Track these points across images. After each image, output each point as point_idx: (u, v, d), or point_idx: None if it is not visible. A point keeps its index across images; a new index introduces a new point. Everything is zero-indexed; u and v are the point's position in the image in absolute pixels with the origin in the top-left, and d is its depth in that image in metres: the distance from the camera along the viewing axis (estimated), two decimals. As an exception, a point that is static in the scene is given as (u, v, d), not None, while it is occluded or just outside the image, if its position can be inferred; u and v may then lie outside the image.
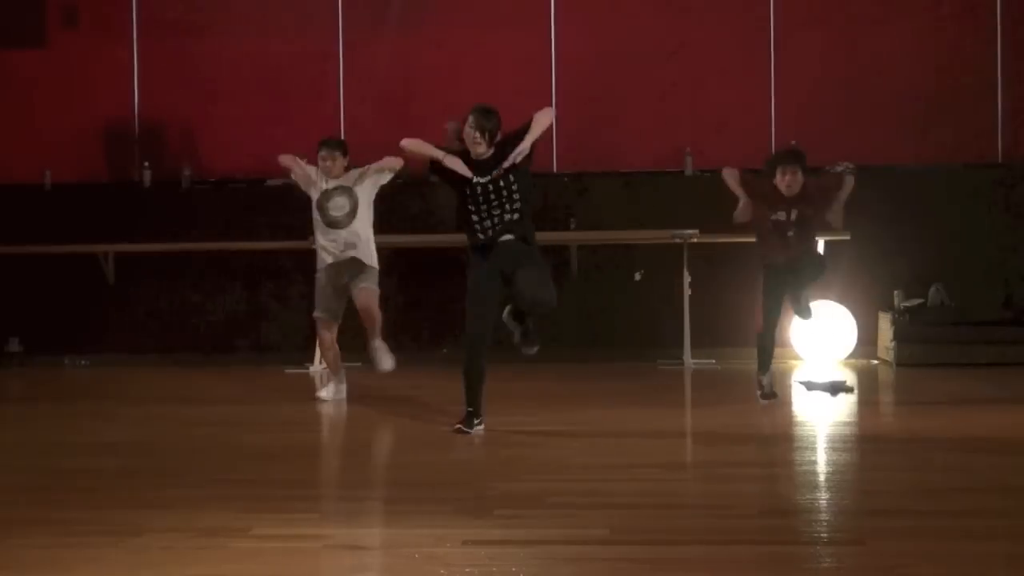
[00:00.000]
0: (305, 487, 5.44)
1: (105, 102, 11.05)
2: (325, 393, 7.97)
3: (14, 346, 10.80)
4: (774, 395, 7.49)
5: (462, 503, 4.90)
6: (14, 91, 11.12)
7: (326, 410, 7.78)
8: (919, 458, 5.86)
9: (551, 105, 6.48)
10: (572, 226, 10.37)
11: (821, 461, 5.97)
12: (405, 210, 10.27)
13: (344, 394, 7.95)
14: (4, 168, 10.90)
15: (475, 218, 6.42)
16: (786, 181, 7.22)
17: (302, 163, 7.99)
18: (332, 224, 7.77)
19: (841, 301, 9.88)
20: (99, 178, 10.98)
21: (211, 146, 10.96)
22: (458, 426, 6.38)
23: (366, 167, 7.88)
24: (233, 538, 4.39)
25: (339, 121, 10.86)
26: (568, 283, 10.38)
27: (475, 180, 6.41)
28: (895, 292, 9.89)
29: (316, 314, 7.90)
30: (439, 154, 6.44)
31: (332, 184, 7.84)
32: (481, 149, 6.47)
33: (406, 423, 7.06)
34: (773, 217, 7.30)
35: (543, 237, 10.37)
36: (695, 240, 9.69)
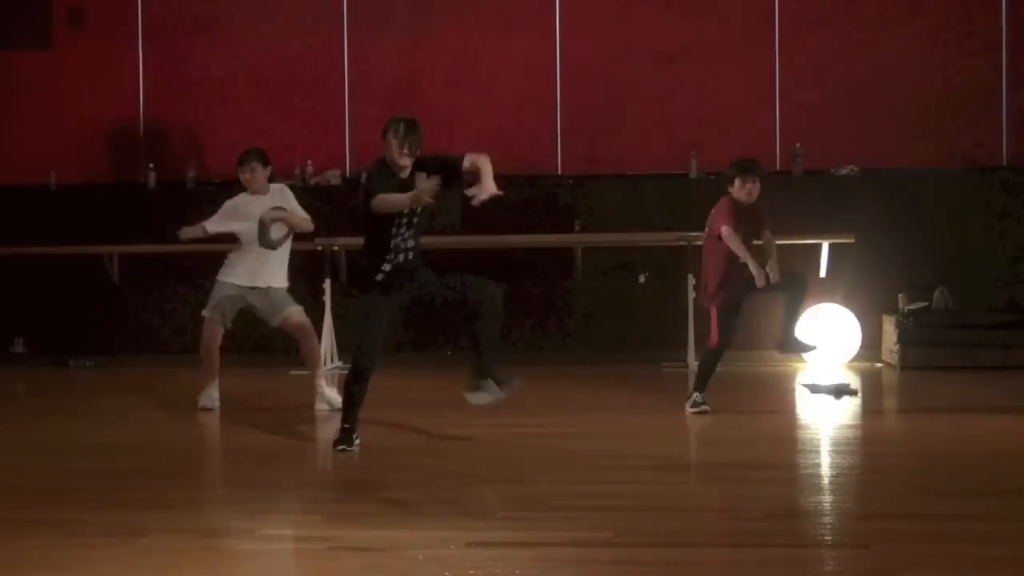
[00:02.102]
0: (309, 489, 5.44)
1: (110, 103, 11.07)
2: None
3: (19, 347, 10.82)
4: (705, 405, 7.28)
5: (466, 505, 4.90)
6: (20, 92, 11.14)
7: (329, 413, 7.78)
8: (923, 461, 5.86)
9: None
10: (576, 228, 10.37)
11: (825, 464, 5.97)
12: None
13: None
14: (10, 169, 10.92)
15: (394, 242, 6.04)
16: (747, 189, 7.20)
17: (213, 221, 7.77)
18: (271, 247, 7.59)
19: (845, 304, 9.87)
20: (104, 179, 11.00)
21: (215, 147, 10.97)
22: (341, 447, 6.09)
23: (292, 208, 7.65)
24: (237, 539, 4.40)
25: (343, 123, 10.87)
26: (572, 285, 10.39)
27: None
28: (899, 295, 9.88)
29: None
30: (401, 198, 5.94)
31: (267, 205, 7.58)
32: (406, 163, 6.11)
33: (409, 426, 7.06)
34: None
35: (548, 239, 10.47)
36: (700, 242, 9.67)
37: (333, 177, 10.69)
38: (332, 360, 9.65)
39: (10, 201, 10.81)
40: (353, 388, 6.14)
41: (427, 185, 5.85)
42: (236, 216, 7.69)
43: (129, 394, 8.73)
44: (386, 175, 6.13)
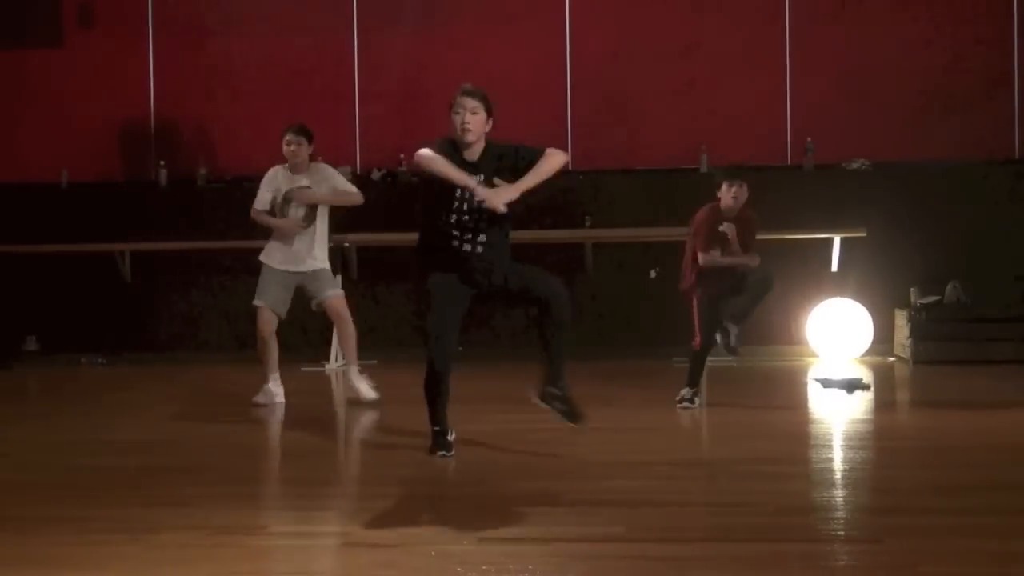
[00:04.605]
0: (321, 485, 5.45)
1: (121, 101, 11.10)
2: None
3: (31, 345, 10.85)
4: (692, 402, 7.32)
5: (478, 500, 4.90)
6: (30, 91, 11.17)
7: (342, 408, 7.80)
8: (936, 456, 5.84)
9: (566, 151, 5.82)
10: (587, 224, 10.36)
11: (837, 459, 5.96)
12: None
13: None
14: (21, 167, 10.96)
15: (455, 232, 5.57)
16: (732, 193, 7.24)
17: (261, 204, 7.68)
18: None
19: (857, 298, 9.85)
20: (115, 177, 11.03)
21: (227, 145, 10.99)
22: (440, 452, 5.76)
23: (341, 180, 7.70)
24: (250, 535, 4.40)
25: (354, 119, 10.88)
26: (583, 281, 10.38)
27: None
28: (911, 289, 9.86)
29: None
30: (459, 177, 5.45)
31: (291, 183, 7.60)
32: (472, 139, 5.56)
33: (421, 421, 7.06)
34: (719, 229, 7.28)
35: (558, 235, 10.46)
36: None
37: (344, 173, 10.67)
38: (340, 358, 9.65)
39: (22, 199, 10.84)
40: (427, 385, 5.71)
41: (498, 198, 5.36)
42: (270, 190, 7.69)
43: (142, 391, 8.75)
44: (447, 148, 5.56)
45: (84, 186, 10.89)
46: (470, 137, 5.56)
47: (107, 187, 10.89)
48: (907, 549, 4.08)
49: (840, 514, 4.69)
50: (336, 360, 9.63)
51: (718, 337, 7.37)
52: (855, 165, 10.35)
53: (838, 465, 5.77)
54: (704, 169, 10.37)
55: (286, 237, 7.59)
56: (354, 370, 7.69)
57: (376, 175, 10.66)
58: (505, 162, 5.59)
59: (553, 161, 5.58)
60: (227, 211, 10.67)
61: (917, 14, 10.51)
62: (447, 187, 5.51)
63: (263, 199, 7.68)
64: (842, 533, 4.41)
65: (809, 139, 10.33)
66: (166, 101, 11.10)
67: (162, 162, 10.84)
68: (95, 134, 11.04)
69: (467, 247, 5.58)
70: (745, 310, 7.29)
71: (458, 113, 5.58)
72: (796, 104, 10.58)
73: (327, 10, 10.99)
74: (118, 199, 10.83)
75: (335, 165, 10.71)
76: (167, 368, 10.03)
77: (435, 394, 5.74)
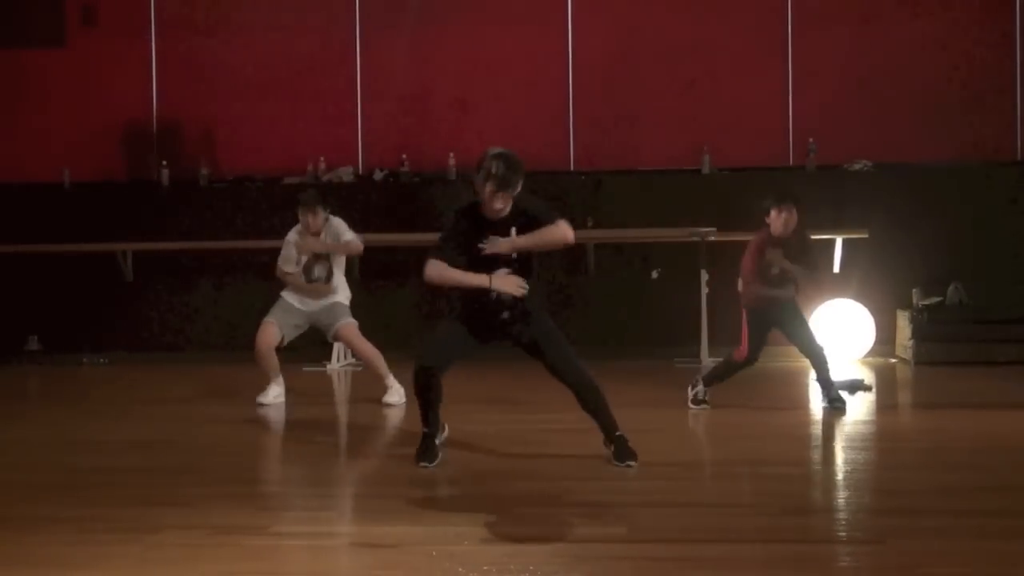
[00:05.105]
0: (322, 485, 5.45)
1: (123, 101, 11.09)
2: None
3: (33, 344, 10.85)
4: (706, 403, 7.31)
5: (480, 501, 4.90)
6: (33, 90, 11.17)
7: (343, 409, 7.79)
8: (938, 457, 5.84)
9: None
10: (589, 224, 10.35)
11: (839, 460, 5.95)
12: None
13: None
14: (23, 167, 10.95)
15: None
16: (782, 219, 7.14)
17: (291, 266, 7.81)
18: (313, 282, 7.74)
19: (859, 299, 9.84)
20: (117, 177, 11.02)
21: (229, 145, 10.99)
22: (421, 463, 5.64)
23: (339, 239, 7.76)
24: (250, 536, 4.40)
25: (356, 119, 10.87)
26: (585, 282, 10.37)
27: (484, 251, 5.45)
28: (913, 290, 9.84)
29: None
30: (473, 281, 5.44)
31: (310, 253, 7.74)
32: (500, 206, 5.43)
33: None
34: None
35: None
36: (713, 238, 9.67)
37: (345, 174, 10.70)
38: (341, 358, 9.65)
39: (24, 199, 10.84)
40: (414, 381, 5.66)
41: (510, 284, 5.39)
42: (294, 250, 7.84)
43: (143, 391, 8.75)
44: (467, 223, 5.48)
45: (86, 186, 10.88)
46: (499, 215, 5.46)
47: (109, 187, 10.89)
48: (909, 550, 4.08)
49: (842, 515, 4.68)
50: (337, 360, 9.63)
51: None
52: (857, 166, 10.34)
53: (840, 466, 5.76)
54: (706, 170, 10.36)
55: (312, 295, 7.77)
56: (389, 379, 7.69)
57: (378, 175, 10.65)
58: (527, 219, 5.48)
59: (556, 234, 5.46)
60: (229, 211, 10.68)
61: (920, 15, 10.50)
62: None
63: (288, 257, 7.82)
64: (844, 534, 4.40)
65: (811, 140, 10.32)
66: (168, 101, 11.10)
67: (164, 162, 10.83)
68: (97, 134, 11.04)
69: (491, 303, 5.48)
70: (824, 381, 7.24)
71: (490, 187, 5.38)
72: (798, 105, 10.57)
73: (329, 10, 10.98)
74: (120, 199, 10.83)
75: (337, 166, 10.77)
76: (168, 368, 10.02)
77: (422, 390, 5.65)
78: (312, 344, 10.03)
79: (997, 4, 10.48)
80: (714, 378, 7.30)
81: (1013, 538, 4.24)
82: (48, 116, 11.10)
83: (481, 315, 5.52)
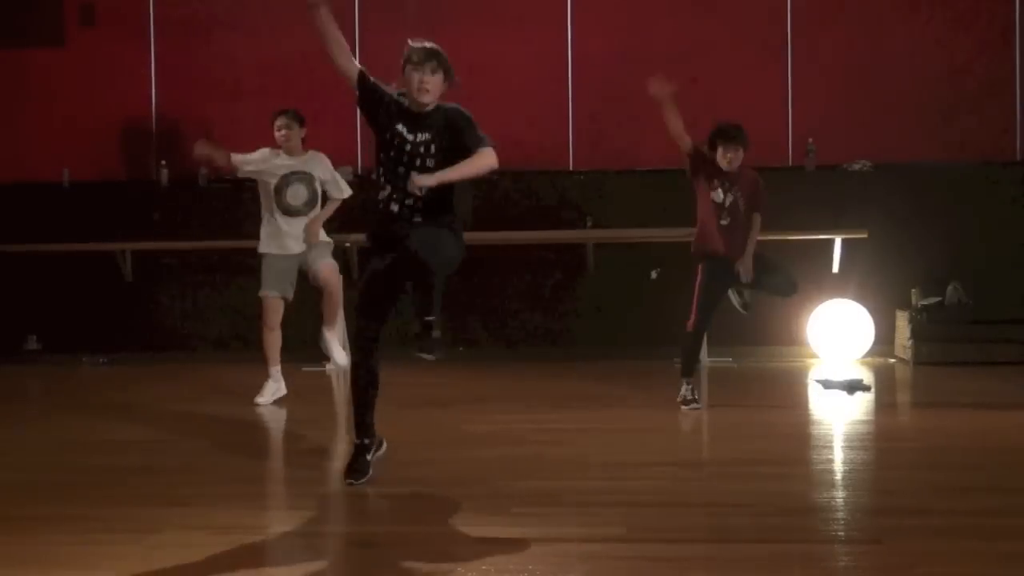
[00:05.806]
0: (321, 484, 5.45)
1: (123, 101, 11.10)
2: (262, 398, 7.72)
3: (32, 344, 10.85)
4: (697, 401, 7.28)
5: (479, 500, 4.90)
6: (32, 90, 11.18)
7: (342, 408, 7.79)
8: (937, 457, 5.84)
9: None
10: (588, 224, 10.36)
11: (838, 460, 5.96)
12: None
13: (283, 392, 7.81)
14: (23, 166, 10.96)
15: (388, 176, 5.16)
16: (727, 158, 7.20)
17: (240, 156, 7.67)
18: (288, 212, 7.65)
19: (858, 299, 9.85)
20: (117, 177, 11.03)
21: (228, 145, 10.85)
22: (348, 481, 5.18)
23: (334, 172, 7.73)
24: (250, 535, 4.40)
25: (355, 119, 10.86)
26: (584, 281, 10.38)
27: (400, 129, 5.16)
28: (912, 290, 9.85)
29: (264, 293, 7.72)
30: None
31: (289, 167, 7.64)
32: (428, 99, 5.18)
33: (421, 421, 7.07)
34: (712, 196, 7.25)
35: (559, 235, 10.46)
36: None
37: (345, 174, 10.67)
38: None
39: (23, 198, 10.85)
40: (351, 377, 5.26)
41: (419, 180, 4.96)
42: (263, 165, 7.68)
43: (142, 391, 8.75)
44: (392, 100, 5.34)
45: (86, 185, 10.89)
46: (426, 99, 5.21)
47: (109, 186, 10.89)
48: (907, 550, 4.08)
49: (840, 515, 4.69)
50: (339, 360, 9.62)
51: (731, 295, 7.33)
52: (856, 166, 10.35)
53: (839, 466, 5.76)
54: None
55: (285, 225, 7.60)
56: (329, 332, 7.67)
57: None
58: (451, 132, 5.19)
59: (483, 162, 5.09)
60: (228, 211, 10.68)
61: (919, 16, 10.51)
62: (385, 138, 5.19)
63: (247, 157, 7.68)
64: (842, 534, 4.40)
65: (810, 140, 10.33)
66: (168, 100, 11.10)
67: (164, 161, 10.84)
68: (97, 133, 11.04)
69: (394, 207, 5.15)
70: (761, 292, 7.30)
71: (417, 70, 5.23)
72: (798, 105, 10.58)
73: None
74: (119, 198, 10.83)
75: (337, 166, 10.76)
76: (168, 368, 10.02)
77: (354, 389, 5.25)
78: (312, 344, 10.06)
79: (997, 4, 10.48)
80: (685, 365, 7.30)
81: (1012, 538, 4.25)
82: (48, 116, 11.11)
83: (379, 218, 5.15)
